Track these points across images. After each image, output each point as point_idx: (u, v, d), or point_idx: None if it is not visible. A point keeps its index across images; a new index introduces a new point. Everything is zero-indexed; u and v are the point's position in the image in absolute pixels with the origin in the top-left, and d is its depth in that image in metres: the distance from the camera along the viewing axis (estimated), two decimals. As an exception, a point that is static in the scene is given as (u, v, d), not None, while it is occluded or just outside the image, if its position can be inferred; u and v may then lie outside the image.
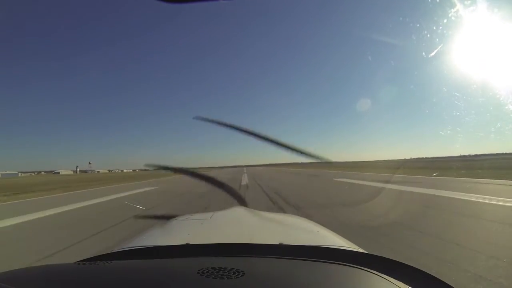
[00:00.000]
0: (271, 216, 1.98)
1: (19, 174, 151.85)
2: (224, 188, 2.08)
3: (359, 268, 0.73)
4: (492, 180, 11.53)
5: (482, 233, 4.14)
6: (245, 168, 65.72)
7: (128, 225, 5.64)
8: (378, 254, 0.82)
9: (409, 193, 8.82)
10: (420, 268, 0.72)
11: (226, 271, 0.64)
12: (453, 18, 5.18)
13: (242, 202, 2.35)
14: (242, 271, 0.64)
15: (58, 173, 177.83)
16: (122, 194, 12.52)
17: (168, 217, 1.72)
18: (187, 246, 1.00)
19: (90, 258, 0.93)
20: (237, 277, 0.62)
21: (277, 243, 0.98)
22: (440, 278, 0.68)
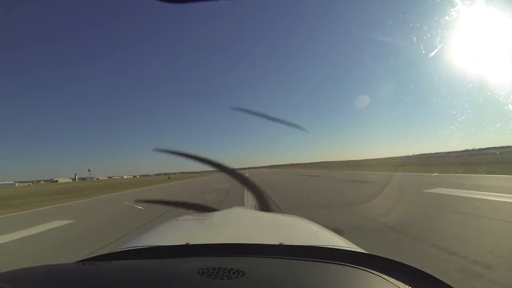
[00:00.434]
0: (271, 216, 1.98)
1: (16, 184, 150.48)
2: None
3: (359, 268, 0.73)
4: None
5: None
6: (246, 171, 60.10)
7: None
8: (378, 254, 0.82)
9: None
10: (420, 268, 0.72)
11: (226, 271, 0.64)
12: (453, 17, 5.24)
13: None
14: (242, 271, 0.64)
15: (57, 181, 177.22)
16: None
17: (166, 203, 1.71)
18: (187, 246, 1.00)
19: (90, 258, 0.93)
20: (237, 277, 0.61)
21: (277, 243, 0.98)
22: (440, 278, 0.68)
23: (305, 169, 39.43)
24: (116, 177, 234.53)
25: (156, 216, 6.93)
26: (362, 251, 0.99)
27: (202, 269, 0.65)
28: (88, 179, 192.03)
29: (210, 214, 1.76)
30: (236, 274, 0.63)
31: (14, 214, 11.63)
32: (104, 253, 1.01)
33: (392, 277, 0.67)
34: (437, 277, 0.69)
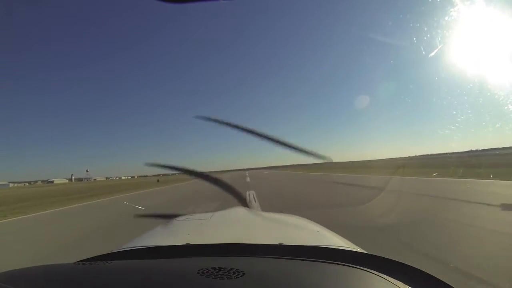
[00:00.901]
0: (271, 216, 1.98)
1: (10, 185, 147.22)
2: None
3: (359, 268, 0.73)
4: None
5: None
6: (247, 172, 52.43)
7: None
8: (377, 254, 0.82)
9: None
10: (420, 268, 0.72)
11: (226, 271, 0.64)
12: (453, 17, 5.24)
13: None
14: (242, 271, 0.64)
15: (52, 182, 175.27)
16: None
17: (169, 216, 1.72)
18: (187, 246, 1.00)
19: (90, 258, 0.92)
20: (237, 277, 0.61)
21: (277, 243, 0.98)
22: (440, 278, 0.68)
23: (307, 172, 36.30)
24: (114, 178, 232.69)
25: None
26: (362, 251, 0.98)
27: (202, 269, 0.65)
28: (85, 179, 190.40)
29: (210, 214, 1.76)
30: (236, 274, 0.62)
31: None
32: (104, 253, 1.01)
33: (392, 277, 0.67)
34: (437, 277, 0.69)
